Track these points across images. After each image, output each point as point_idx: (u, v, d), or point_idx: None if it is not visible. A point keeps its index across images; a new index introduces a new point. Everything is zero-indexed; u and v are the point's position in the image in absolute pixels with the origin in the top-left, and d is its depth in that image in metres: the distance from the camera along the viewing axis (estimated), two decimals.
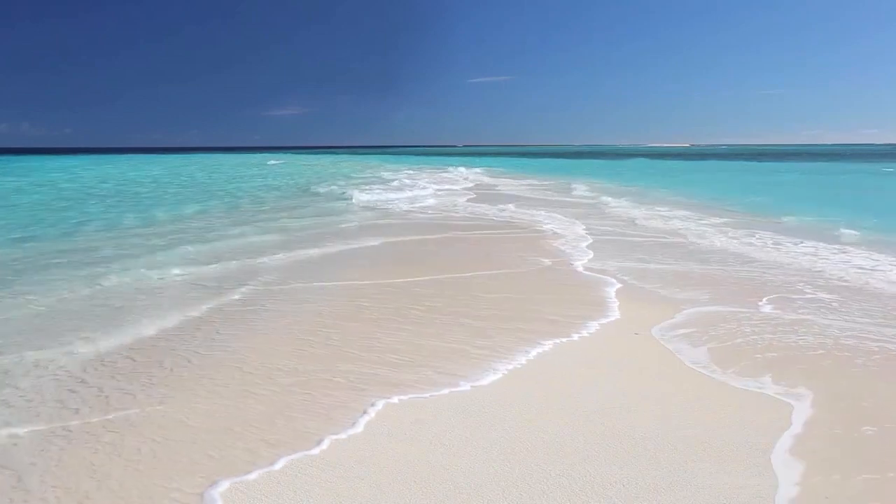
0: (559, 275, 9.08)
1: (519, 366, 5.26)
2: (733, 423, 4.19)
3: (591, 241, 12.05)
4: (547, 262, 10.03)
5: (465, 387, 4.79)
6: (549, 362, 5.38)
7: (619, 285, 8.20)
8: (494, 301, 7.41)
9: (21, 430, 4.07)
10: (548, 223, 14.88)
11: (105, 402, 4.52)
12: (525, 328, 6.27)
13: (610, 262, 9.89)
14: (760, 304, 7.25)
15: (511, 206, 19.06)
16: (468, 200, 21.76)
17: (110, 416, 4.27)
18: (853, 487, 3.45)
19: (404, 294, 7.77)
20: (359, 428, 4.11)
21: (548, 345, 5.77)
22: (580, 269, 9.42)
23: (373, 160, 79.05)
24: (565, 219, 15.74)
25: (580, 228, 13.84)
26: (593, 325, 6.42)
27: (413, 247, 11.91)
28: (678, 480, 3.49)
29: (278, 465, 3.62)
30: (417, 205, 20.01)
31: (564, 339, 5.96)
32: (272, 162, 69.60)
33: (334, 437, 3.98)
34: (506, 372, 5.11)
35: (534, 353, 5.57)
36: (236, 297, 7.67)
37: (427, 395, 4.66)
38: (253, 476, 3.51)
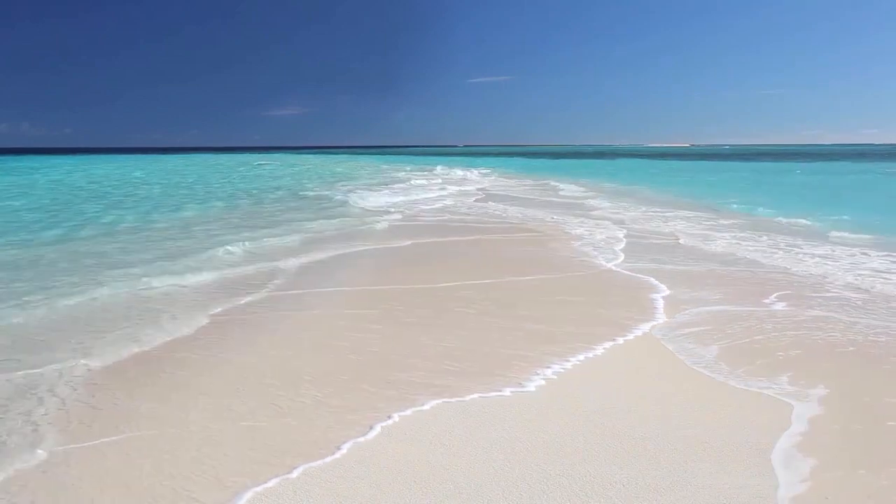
0: (599, 278, 8.86)
1: (563, 370, 5.15)
2: (733, 423, 4.19)
3: (625, 243, 11.73)
4: (583, 263, 9.88)
5: (506, 392, 4.70)
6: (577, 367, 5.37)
7: (667, 290, 7.90)
8: (541, 304, 7.27)
9: (27, 449, 3.84)
10: (562, 225, 14.77)
11: (118, 414, 4.35)
12: (587, 333, 6.14)
13: (621, 262, 9.89)
14: (767, 302, 7.26)
15: (521, 208, 19.00)
16: (476, 201, 21.63)
17: (122, 430, 4.11)
18: (854, 488, 3.45)
19: (450, 298, 7.54)
20: (376, 431, 4.05)
21: (599, 349, 5.69)
22: (618, 270, 9.23)
23: (373, 160, 78.99)
24: (574, 220, 15.73)
25: (600, 230, 13.75)
26: (642, 329, 6.30)
27: (438, 249, 11.59)
28: (678, 480, 3.49)
29: (295, 474, 3.55)
30: (426, 207, 19.70)
31: (616, 342, 5.87)
32: (263, 163, 68.71)
33: (355, 441, 3.94)
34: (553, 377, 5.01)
35: (583, 357, 5.48)
36: (256, 301, 7.41)
37: (454, 400, 4.56)
38: (271, 483, 3.45)
